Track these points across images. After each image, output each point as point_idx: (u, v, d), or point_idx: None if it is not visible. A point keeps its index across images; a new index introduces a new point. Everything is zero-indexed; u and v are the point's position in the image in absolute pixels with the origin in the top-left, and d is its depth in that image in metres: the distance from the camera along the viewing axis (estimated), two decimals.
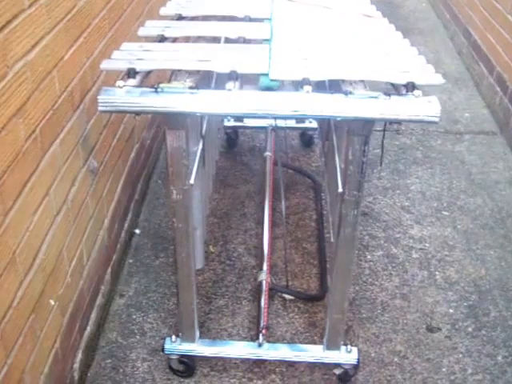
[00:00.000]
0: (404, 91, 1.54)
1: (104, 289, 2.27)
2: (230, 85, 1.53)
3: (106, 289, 2.29)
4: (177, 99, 1.51)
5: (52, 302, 1.73)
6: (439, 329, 2.30)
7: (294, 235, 2.72)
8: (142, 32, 1.91)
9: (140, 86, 1.59)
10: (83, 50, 1.94)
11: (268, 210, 2.65)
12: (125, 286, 2.44)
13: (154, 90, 1.53)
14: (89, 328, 2.11)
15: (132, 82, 1.58)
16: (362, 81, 1.60)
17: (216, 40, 1.88)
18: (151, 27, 1.93)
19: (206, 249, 2.61)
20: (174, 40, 1.89)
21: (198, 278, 2.45)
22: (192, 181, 1.69)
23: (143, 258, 2.59)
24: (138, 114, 1.58)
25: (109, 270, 2.33)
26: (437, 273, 2.54)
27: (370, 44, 1.79)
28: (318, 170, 3.12)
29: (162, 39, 1.84)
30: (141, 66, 1.62)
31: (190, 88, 1.54)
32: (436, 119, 1.47)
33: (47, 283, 1.69)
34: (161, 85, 1.54)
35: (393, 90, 1.59)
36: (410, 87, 1.53)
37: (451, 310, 2.38)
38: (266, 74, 1.59)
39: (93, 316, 2.15)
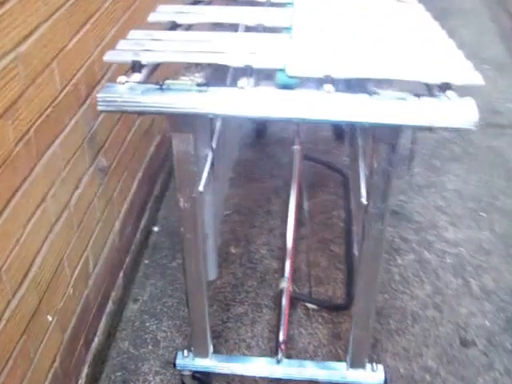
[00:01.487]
0: (437, 91, 1.32)
1: (115, 295, 2.09)
2: (242, 82, 1.33)
3: (118, 294, 2.11)
4: (182, 98, 1.31)
5: (49, 319, 1.55)
6: (474, 343, 2.07)
7: (321, 236, 2.50)
8: (152, 18, 1.70)
9: (145, 81, 1.41)
10: (90, 37, 1.74)
11: (293, 209, 2.45)
12: (140, 290, 2.27)
13: (158, 86, 1.34)
14: (97, 339, 1.93)
15: (137, 76, 1.39)
16: None
17: (234, 27, 1.68)
18: (163, 12, 1.72)
19: (227, 250, 2.43)
20: (188, 27, 1.69)
21: (216, 283, 2.27)
22: (201, 188, 1.49)
23: (160, 259, 2.41)
24: (140, 114, 1.38)
25: (121, 274, 2.15)
26: (472, 280, 2.31)
27: (402, 35, 1.55)
28: (349, 164, 2.88)
29: (173, 26, 1.65)
30: (147, 59, 1.42)
31: (199, 85, 1.34)
32: (472, 127, 1.24)
33: (43, 299, 1.50)
34: (167, 81, 1.35)
35: (425, 88, 1.38)
36: (445, 87, 1.31)
37: (487, 323, 2.14)
38: (283, 70, 1.38)
39: (101, 326, 1.97)
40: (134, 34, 1.56)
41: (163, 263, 2.38)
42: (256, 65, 1.38)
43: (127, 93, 1.32)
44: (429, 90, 1.37)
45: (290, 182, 2.61)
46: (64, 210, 1.62)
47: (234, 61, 1.40)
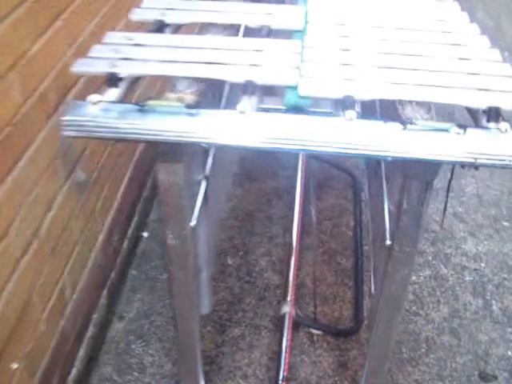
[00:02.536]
0: (484, 120, 1.07)
1: (97, 316, 1.85)
2: (242, 104, 1.08)
3: (101, 315, 1.87)
4: (168, 123, 1.07)
5: (15, 366, 1.33)
6: (495, 377, 1.85)
7: (327, 246, 2.26)
8: (135, 15, 1.43)
9: (123, 100, 1.16)
10: (62, 36, 1.48)
11: (297, 215, 2.22)
12: (126, 306, 2.04)
13: (139, 108, 1.09)
14: (75, 369, 1.70)
15: (113, 93, 1.15)
16: None
17: (234, 28, 1.42)
18: (149, 8, 1.45)
19: (224, 261, 2.20)
20: (178, 28, 1.43)
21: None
22: (193, 222, 1.26)
23: (149, 270, 2.17)
24: (117, 141, 1.14)
25: (104, 292, 1.91)
26: (493, 302, 2.08)
27: (437, 43, 1.29)
28: (358, 163, 2.62)
29: (160, 27, 1.39)
30: (125, 71, 1.17)
31: (188, 107, 1.09)
32: None
33: (6, 347, 1.28)
34: (149, 101, 1.10)
35: (466, 113, 1.14)
36: (493, 114, 1.06)
37: (510, 353, 1.92)
38: (295, 87, 1.14)
39: (81, 354, 1.74)
40: (111, 36, 1.31)
41: (152, 275, 2.15)
42: (260, 80, 1.14)
43: (100, 115, 1.08)
44: (472, 115, 1.13)
45: (294, 184, 2.38)
46: (33, 239, 1.38)
47: (233, 75, 1.16)
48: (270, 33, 1.37)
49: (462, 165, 1.05)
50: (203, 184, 1.33)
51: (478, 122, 1.09)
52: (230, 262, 2.20)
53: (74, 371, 1.71)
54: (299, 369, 1.86)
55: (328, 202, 2.44)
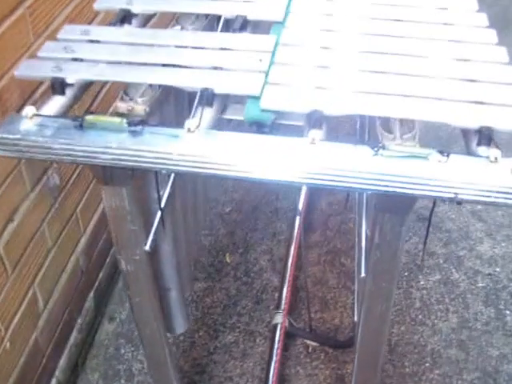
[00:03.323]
0: (475, 143, 0.87)
1: (82, 322, 1.71)
2: (191, 122, 0.90)
3: (87, 319, 1.74)
4: (106, 144, 0.89)
5: None
6: None
7: (332, 245, 2.07)
8: (100, 4, 1.23)
9: (67, 111, 0.99)
10: (25, 26, 1.30)
11: (299, 216, 2.03)
12: (118, 306, 1.89)
13: (77, 124, 0.92)
14: (54, 381, 1.57)
15: (56, 102, 0.98)
16: None
17: (210, 18, 1.23)
18: None
19: (222, 259, 2.04)
20: (148, 19, 1.24)
21: (206, 301, 1.90)
22: (148, 247, 1.09)
23: None
24: (53, 161, 0.97)
25: (90, 295, 1.77)
26: (507, 312, 1.86)
27: (433, 40, 1.07)
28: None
29: (124, 18, 1.19)
30: (71, 75, 1.00)
31: (131, 124, 0.91)
32: None
33: None
34: (87, 117, 0.92)
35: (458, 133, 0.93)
36: (485, 137, 0.86)
37: None
38: (257, 98, 0.95)
39: (62, 363, 1.62)
40: (68, 30, 1.12)
41: None
42: (218, 88, 0.95)
43: (33, 133, 0.90)
44: (463, 133, 0.92)
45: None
46: None
47: (189, 81, 0.97)
48: (247, 24, 1.17)
49: (443, 201, 0.86)
50: (162, 203, 1.15)
51: (468, 143, 0.89)
52: (228, 260, 2.03)
53: (53, 382, 1.58)
54: (293, 381, 1.70)
55: (337, 196, 2.24)
